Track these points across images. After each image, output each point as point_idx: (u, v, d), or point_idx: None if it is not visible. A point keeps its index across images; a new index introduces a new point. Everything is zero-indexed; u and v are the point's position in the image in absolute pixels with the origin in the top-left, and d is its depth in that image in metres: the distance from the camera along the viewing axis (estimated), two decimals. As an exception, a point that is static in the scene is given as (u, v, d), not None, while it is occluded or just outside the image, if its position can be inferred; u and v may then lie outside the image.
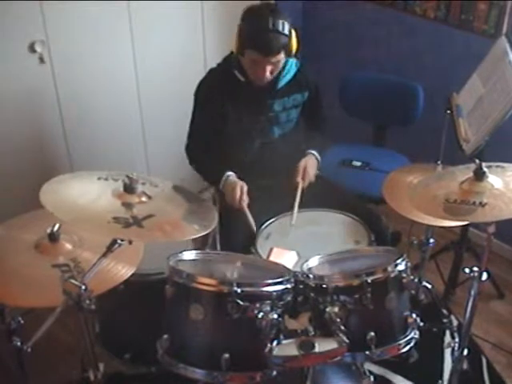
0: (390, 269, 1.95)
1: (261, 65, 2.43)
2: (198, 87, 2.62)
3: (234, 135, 2.63)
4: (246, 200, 2.49)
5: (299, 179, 2.62)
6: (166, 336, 1.90)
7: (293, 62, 2.59)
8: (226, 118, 2.57)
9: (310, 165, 2.66)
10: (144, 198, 1.89)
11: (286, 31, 2.38)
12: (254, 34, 2.38)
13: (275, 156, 2.67)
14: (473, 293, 2.06)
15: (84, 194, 1.87)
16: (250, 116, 2.60)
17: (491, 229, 1.94)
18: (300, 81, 2.63)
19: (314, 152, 2.71)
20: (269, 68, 2.44)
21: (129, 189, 1.87)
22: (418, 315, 2.03)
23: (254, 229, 2.46)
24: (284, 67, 2.54)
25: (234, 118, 2.58)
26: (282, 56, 2.42)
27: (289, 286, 1.92)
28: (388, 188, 2.47)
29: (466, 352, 2.24)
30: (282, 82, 2.57)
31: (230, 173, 2.57)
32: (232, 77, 2.54)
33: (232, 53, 2.54)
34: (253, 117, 2.61)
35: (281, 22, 2.36)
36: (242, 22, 2.43)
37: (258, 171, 2.64)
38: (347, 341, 1.85)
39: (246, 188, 2.51)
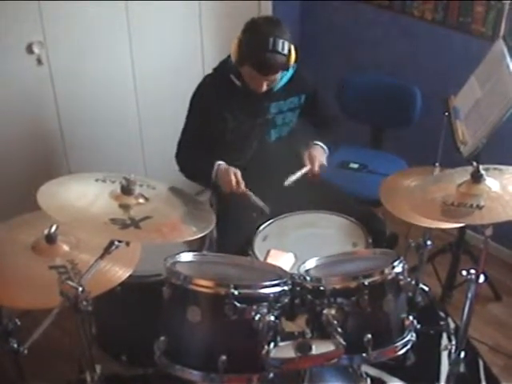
0: (387, 271, 1.96)
1: (258, 81, 2.46)
2: (194, 94, 2.62)
3: (231, 139, 2.63)
4: (242, 185, 2.49)
5: (308, 164, 2.59)
6: (163, 338, 1.90)
7: None
8: (224, 122, 2.57)
9: (316, 150, 2.64)
10: (141, 200, 1.89)
11: (286, 51, 2.39)
12: (254, 52, 2.39)
13: (271, 159, 2.67)
14: (470, 295, 2.07)
15: (81, 195, 1.87)
16: (247, 119, 2.60)
17: (488, 231, 1.94)
18: (297, 84, 2.63)
19: (318, 143, 2.69)
20: (266, 83, 2.47)
21: (126, 190, 1.87)
22: (414, 317, 2.03)
23: (266, 207, 2.47)
24: None
25: (232, 122, 2.58)
26: (279, 74, 2.46)
27: (286, 288, 1.92)
28: (385, 191, 2.47)
29: (463, 354, 2.24)
30: (278, 85, 2.57)
31: (219, 162, 2.56)
32: (228, 81, 2.55)
33: (229, 57, 2.54)
34: (250, 120, 2.61)
35: (281, 41, 2.36)
36: (243, 35, 2.42)
37: (254, 174, 2.63)
38: (344, 343, 1.85)
39: (239, 173, 2.50)
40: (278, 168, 2.64)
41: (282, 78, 2.55)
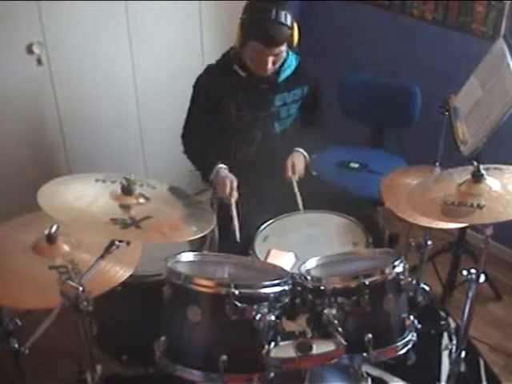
0: (387, 271, 1.96)
1: (263, 56, 2.43)
2: (197, 82, 2.62)
3: (234, 131, 2.63)
4: (235, 195, 2.49)
5: (290, 174, 2.62)
6: (163, 337, 1.90)
7: (293, 56, 2.60)
8: (227, 113, 2.57)
9: (296, 160, 2.66)
10: (142, 200, 1.88)
11: (289, 22, 2.39)
12: (258, 24, 2.38)
13: (275, 151, 2.67)
14: (470, 295, 2.07)
15: (82, 195, 1.87)
16: (251, 111, 2.60)
17: (489, 231, 1.94)
18: (300, 76, 2.63)
19: (299, 149, 2.71)
20: (271, 59, 2.44)
21: (126, 190, 1.86)
22: (415, 317, 2.03)
23: (237, 235, 2.39)
24: (284, 62, 2.55)
25: (235, 113, 2.58)
26: (284, 47, 2.44)
27: (286, 287, 1.92)
28: (386, 190, 2.47)
29: (463, 354, 2.24)
30: (283, 77, 2.57)
31: (221, 165, 2.58)
32: (232, 72, 2.54)
33: (231, 49, 2.54)
34: (254, 112, 2.61)
35: (283, 13, 2.37)
36: (244, 14, 2.42)
37: (258, 167, 2.64)
38: (345, 343, 1.85)
39: (235, 183, 2.51)
40: (282, 161, 2.64)
41: (286, 70, 2.56)
